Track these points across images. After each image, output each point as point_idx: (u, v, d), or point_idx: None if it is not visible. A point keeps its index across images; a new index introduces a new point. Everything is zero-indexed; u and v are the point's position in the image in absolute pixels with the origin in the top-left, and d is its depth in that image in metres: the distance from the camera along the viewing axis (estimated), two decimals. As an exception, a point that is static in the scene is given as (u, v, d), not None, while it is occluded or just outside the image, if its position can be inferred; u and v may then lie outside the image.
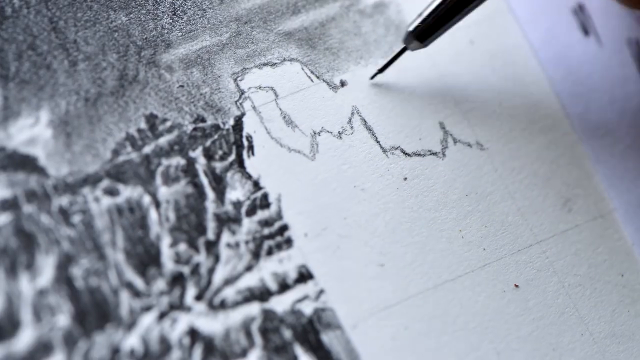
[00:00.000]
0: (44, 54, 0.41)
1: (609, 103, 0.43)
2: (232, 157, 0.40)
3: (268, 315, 0.38)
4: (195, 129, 0.40)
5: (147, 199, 0.39)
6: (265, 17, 0.43)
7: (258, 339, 0.38)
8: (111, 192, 0.39)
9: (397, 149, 0.41)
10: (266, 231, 0.39)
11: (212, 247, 0.39)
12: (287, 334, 0.38)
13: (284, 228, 0.40)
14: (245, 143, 0.41)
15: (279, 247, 0.39)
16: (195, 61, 0.42)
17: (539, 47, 0.43)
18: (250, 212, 0.40)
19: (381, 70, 0.42)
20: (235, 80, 0.41)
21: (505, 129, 0.42)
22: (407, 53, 0.42)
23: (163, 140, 0.40)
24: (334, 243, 0.40)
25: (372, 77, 0.42)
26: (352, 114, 0.42)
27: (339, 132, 0.41)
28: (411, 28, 0.41)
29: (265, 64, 0.42)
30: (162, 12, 0.42)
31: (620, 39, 0.44)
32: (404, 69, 0.43)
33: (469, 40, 0.44)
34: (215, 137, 0.41)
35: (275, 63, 0.42)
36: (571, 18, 0.44)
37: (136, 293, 0.38)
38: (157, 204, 0.39)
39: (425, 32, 0.40)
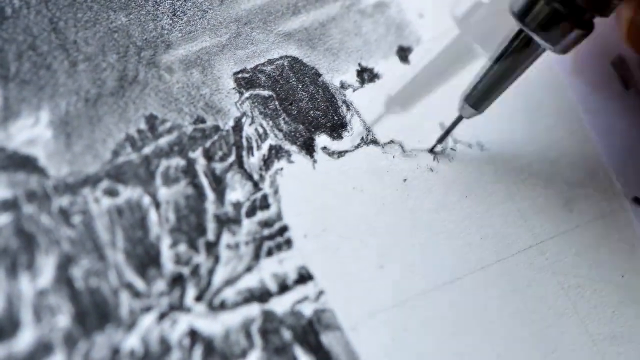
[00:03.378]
0: (44, 55, 0.41)
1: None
2: (232, 158, 0.40)
3: (268, 316, 0.38)
4: (195, 130, 0.40)
5: (147, 200, 0.39)
6: (265, 18, 0.43)
7: (258, 339, 0.38)
8: (111, 192, 0.39)
9: (397, 150, 0.41)
10: (266, 232, 0.39)
11: (212, 248, 0.39)
12: (287, 334, 0.38)
13: (283, 229, 0.40)
14: (245, 144, 0.41)
15: (278, 248, 0.39)
16: (195, 62, 0.42)
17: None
18: (250, 213, 0.40)
19: (440, 141, 0.41)
20: (236, 82, 0.42)
21: (506, 130, 0.42)
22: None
23: (163, 141, 0.40)
24: (333, 244, 0.40)
25: (432, 149, 0.41)
26: (352, 115, 0.42)
27: (338, 132, 0.41)
28: (465, 97, 0.40)
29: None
30: (162, 12, 0.42)
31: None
32: (403, 69, 0.43)
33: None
34: (215, 138, 0.41)
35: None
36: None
37: (136, 294, 0.38)
38: (157, 205, 0.39)
39: (480, 99, 0.39)
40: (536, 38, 0.37)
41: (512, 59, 0.38)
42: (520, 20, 0.37)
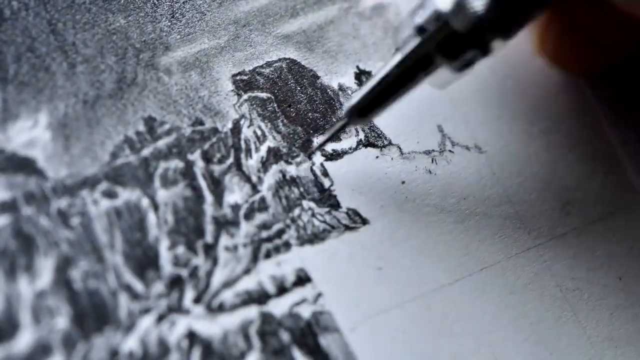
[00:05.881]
0: (42, 56, 0.41)
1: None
2: (230, 160, 0.40)
3: (266, 318, 0.38)
4: (193, 132, 0.40)
5: (145, 202, 0.39)
6: (264, 20, 0.43)
7: (256, 342, 0.38)
8: (110, 194, 0.39)
9: (395, 152, 0.42)
10: (264, 234, 0.39)
11: (210, 250, 0.39)
12: (285, 337, 0.38)
13: (282, 231, 0.40)
14: (243, 146, 0.41)
15: (277, 250, 0.39)
16: (193, 64, 0.42)
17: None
18: (249, 215, 0.40)
19: (322, 146, 0.41)
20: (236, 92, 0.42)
21: (504, 132, 0.42)
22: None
23: (161, 143, 0.40)
24: (332, 246, 0.40)
25: (311, 154, 0.41)
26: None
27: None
28: (353, 103, 0.38)
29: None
30: (161, 14, 0.42)
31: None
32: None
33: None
34: (214, 140, 0.41)
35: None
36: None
37: (135, 295, 0.38)
38: (156, 207, 0.39)
39: (367, 107, 0.38)
40: (434, 54, 0.37)
41: (407, 71, 0.37)
42: (420, 34, 0.37)
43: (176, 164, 0.40)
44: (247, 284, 0.39)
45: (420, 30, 0.37)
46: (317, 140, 0.41)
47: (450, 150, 0.42)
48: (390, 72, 0.38)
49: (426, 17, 0.36)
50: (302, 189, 0.40)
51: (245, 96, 0.41)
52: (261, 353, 0.38)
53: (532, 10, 0.37)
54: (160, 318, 0.38)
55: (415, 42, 0.37)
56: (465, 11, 0.36)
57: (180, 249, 0.39)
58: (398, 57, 0.38)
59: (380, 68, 0.38)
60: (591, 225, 0.42)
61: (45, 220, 0.38)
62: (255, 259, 0.39)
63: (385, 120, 0.42)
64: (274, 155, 0.41)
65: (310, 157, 0.41)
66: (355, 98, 0.39)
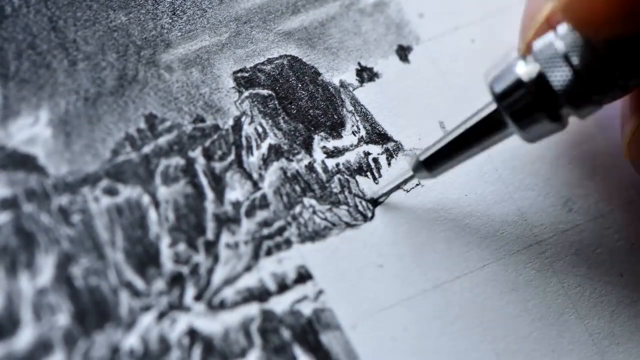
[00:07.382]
0: (43, 53, 0.41)
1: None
2: (232, 157, 0.40)
3: (267, 315, 0.38)
4: (194, 129, 0.40)
5: (146, 199, 0.39)
6: (265, 17, 0.43)
7: (257, 339, 0.38)
8: (110, 191, 0.39)
9: (396, 148, 0.41)
10: (265, 231, 0.39)
11: (211, 247, 0.39)
12: (286, 334, 0.38)
13: (283, 228, 0.40)
14: (245, 143, 0.41)
15: (278, 247, 0.39)
16: (194, 61, 0.42)
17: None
18: (250, 212, 0.40)
19: (388, 194, 0.41)
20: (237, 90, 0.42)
21: (506, 129, 0.42)
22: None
23: (162, 140, 0.40)
24: (333, 243, 0.40)
25: (378, 203, 0.41)
26: (352, 113, 0.42)
27: (338, 131, 0.41)
28: (422, 157, 0.39)
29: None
30: (162, 11, 0.42)
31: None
32: (403, 68, 0.43)
33: (470, 38, 0.44)
34: (215, 137, 0.41)
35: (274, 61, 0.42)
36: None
37: (135, 293, 0.38)
38: (157, 204, 0.39)
39: (436, 162, 0.39)
40: (508, 121, 0.36)
41: (480, 134, 0.38)
42: (498, 101, 0.36)
43: (177, 161, 0.40)
44: (248, 281, 0.39)
45: (500, 96, 0.36)
46: (380, 189, 0.41)
47: (451, 147, 0.42)
48: (464, 133, 0.38)
49: (506, 86, 0.36)
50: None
51: (246, 93, 0.41)
52: (262, 350, 0.38)
53: (610, 93, 0.36)
54: (161, 315, 0.38)
55: (492, 107, 0.37)
56: (546, 84, 0.35)
57: (181, 246, 0.39)
58: (474, 120, 0.38)
59: (454, 127, 0.38)
60: (593, 221, 0.42)
61: (46, 217, 0.38)
62: (256, 256, 0.39)
63: (386, 116, 0.42)
64: (275, 152, 0.41)
65: (376, 203, 0.41)
66: (426, 153, 0.39)
